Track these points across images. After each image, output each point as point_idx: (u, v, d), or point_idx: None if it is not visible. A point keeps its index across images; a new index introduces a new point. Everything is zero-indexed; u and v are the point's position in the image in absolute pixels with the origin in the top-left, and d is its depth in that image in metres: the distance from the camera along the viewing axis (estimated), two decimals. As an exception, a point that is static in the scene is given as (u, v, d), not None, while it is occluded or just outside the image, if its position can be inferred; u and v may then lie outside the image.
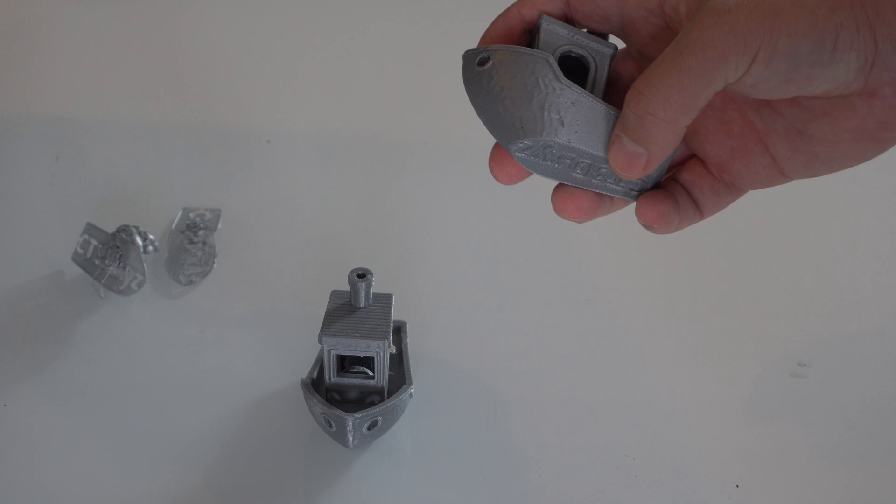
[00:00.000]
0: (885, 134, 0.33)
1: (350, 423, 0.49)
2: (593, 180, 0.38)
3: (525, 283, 0.66)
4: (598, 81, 0.38)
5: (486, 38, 0.39)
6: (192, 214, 0.70)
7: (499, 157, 0.38)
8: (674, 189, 0.39)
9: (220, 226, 0.70)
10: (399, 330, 0.59)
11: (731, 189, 0.39)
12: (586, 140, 0.36)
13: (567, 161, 0.37)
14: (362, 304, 0.53)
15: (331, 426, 0.51)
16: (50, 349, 0.59)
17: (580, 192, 0.38)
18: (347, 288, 0.53)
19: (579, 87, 0.36)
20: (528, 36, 0.39)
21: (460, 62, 0.38)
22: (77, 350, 0.59)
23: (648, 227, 0.39)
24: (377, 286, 0.53)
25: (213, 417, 0.55)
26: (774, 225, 0.72)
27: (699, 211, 0.39)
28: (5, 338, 0.60)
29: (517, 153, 0.37)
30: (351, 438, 0.50)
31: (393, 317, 0.53)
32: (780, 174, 0.37)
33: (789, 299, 0.66)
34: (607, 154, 0.36)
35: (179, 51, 0.91)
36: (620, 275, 0.67)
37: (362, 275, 0.52)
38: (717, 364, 0.60)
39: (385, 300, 0.54)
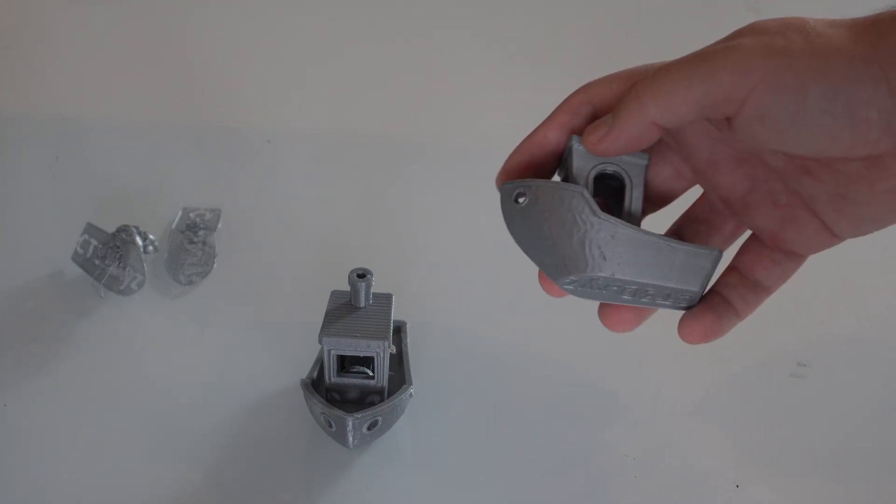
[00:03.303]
0: None
1: (350, 423, 0.49)
2: (642, 300, 0.38)
3: (525, 283, 0.66)
4: (635, 195, 0.38)
5: (513, 162, 0.39)
6: (192, 214, 0.70)
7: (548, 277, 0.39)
8: (726, 286, 0.39)
9: (220, 226, 0.70)
10: (399, 330, 0.59)
11: (791, 257, 0.39)
12: (630, 270, 0.37)
13: (614, 288, 0.37)
14: (362, 304, 0.53)
15: (331, 426, 0.51)
16: (50, 349, 0.59)
17: (623, 306, 0.39)
18: (347, 288, 0.53)
19: (616, 219, 0.36)
20: (558, 159, 0.39)
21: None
22: (77, 350, 0.59)
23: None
24: (377, 286, 0.53)
25: (213, 417, 0.55)
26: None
27: (765, 289, 0.39)
28: (5, 338, 0.60)
29: (565, 286, 0.38)
30: (351, 438, 0.50)
31: (393, 317, 0.53)
32: (831, 236, 0.37)
33: (789, 299, 0.66)
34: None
35: (179, 51, 0.91)
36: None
37: (362, 275, 0.52)
38: (718, 364, 0.60)
39: (385, 300, 0.54)
